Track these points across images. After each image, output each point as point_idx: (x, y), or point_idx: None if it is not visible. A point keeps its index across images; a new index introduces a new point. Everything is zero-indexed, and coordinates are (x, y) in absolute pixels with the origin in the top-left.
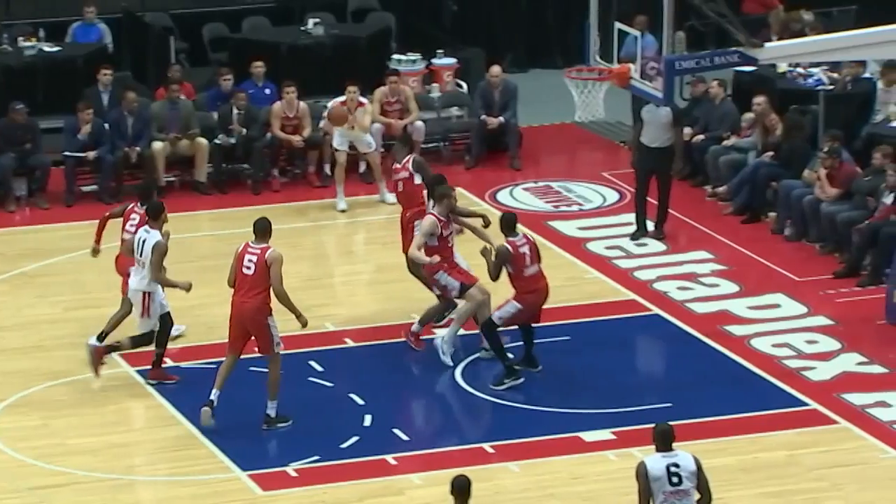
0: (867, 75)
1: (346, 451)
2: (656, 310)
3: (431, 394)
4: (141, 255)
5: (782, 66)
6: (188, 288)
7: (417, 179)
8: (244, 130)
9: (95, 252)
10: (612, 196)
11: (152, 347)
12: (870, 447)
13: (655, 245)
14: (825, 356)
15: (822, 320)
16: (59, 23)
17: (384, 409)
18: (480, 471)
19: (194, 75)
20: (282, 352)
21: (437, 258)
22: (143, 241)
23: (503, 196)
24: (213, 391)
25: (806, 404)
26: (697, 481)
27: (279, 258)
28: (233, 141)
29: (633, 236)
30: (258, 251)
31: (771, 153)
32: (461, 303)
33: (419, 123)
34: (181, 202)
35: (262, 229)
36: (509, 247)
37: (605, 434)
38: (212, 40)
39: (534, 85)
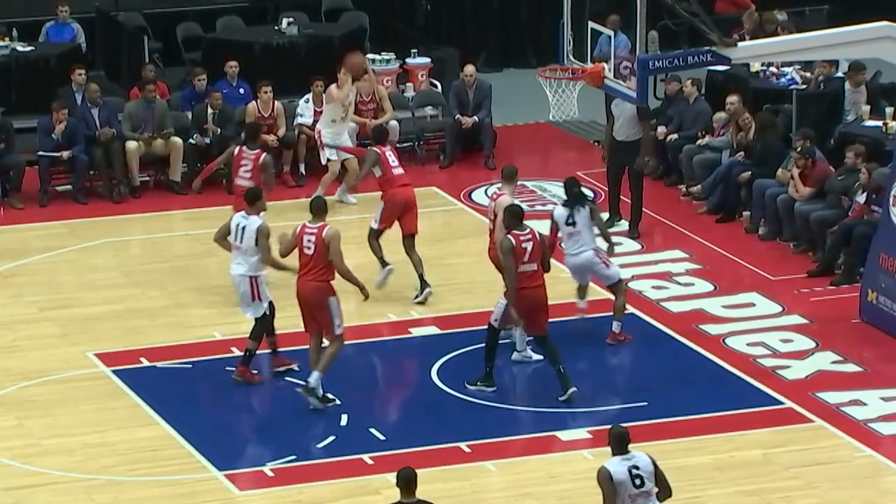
0: (839, 75)
1: (323, 450)
2: (632, 309)
3: (408, 393)
4: (241, 242)
5: (755, 66)
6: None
7: (378, 172)
8: (219, 130)
9: (199, 187)
10: (587, 195)
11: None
12: (844, 446)
13: (630, 244)
14: (800, 355)
15: (796, 319)
16: (32, 22)
17: (360, 409)
18: (457, 470)
19: (168, 75)
20: (342, 337)
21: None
22: (243, 228)
23: (478, 195)
24: (314, 377)
25: (781, 403)
26: (656, 479)
27: (337, 235)
28: (207, 140)
29: (606, 223)
30: (315, 230)
31: (742, 153)
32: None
33: (393, 123)
34: (155, 202)
35: (318, 208)
36: (512, 239)
37: (581, 433)
38: (185, 40)
39: (508, 84)
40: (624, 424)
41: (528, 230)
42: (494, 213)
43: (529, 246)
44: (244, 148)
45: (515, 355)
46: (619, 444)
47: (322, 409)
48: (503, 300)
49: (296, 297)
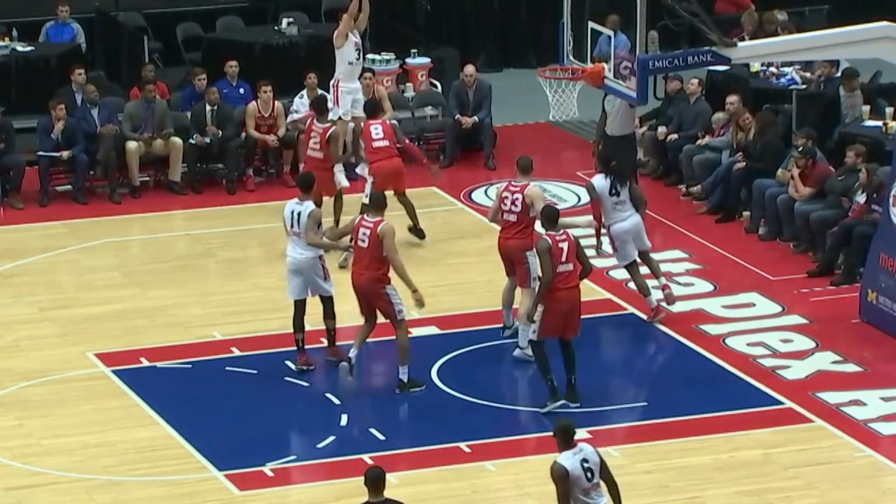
0: (839, 75)
1: (323, 450)
2: (631, 309)
3: (408, 393)
4: (298, 227)
5: (755, 66)
6: (347, 248)
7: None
8: (220, 133)
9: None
10: (587, 195)
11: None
12: (844, 446)
13: None
14: (800, 355)
15: (796, 319)
16: (32, 22)
17: (361, 409)
18: (457, 470)
19: (168, 75)
20: (405, 323)
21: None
22: (298, 214)
23: (478, 195)
24: (352, 350)
25: (781, 403)
26: (601, 472)
27: (390, 231)
28: (207, 140)
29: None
30: (371, 225)
31: (740, 153)
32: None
33: (393, 123)
34: (155, 202)
35: (377, 203)
36: (549, 239)
37: (580, 433)
38: (185, 40)
39: (508, 84)
40: (624, 424)
41: (562, 231)
42: (523, 203)
43: (566, 246)
44: (314, 121)
45: (517, 352)
46: (566, 439)
47: (420, 389)
48: (540, 304)
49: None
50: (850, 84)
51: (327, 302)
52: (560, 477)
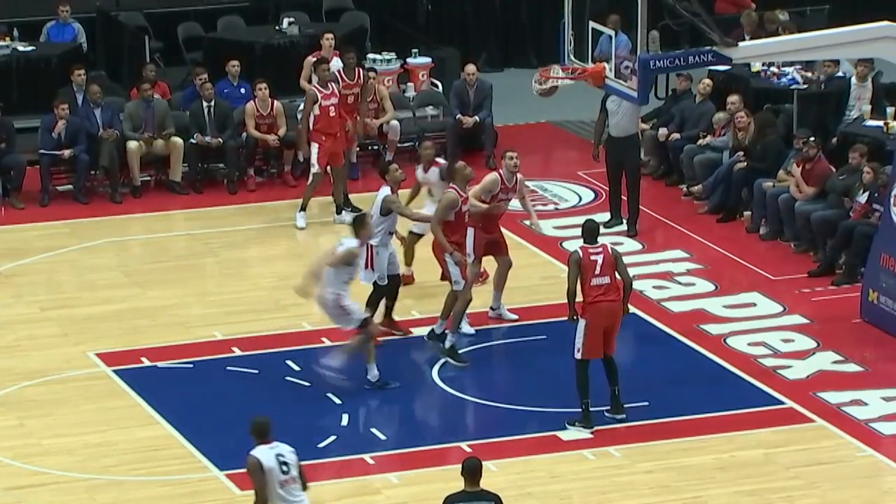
0: (840, 74)
1: (324, 450)
2: (633, 309)
3: (409, 393)
4: (371, 209)
5: (756, 65)
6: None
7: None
8: (221, 141)
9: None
10: (588, 195)
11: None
12: (845, 445)
13: (631, 244)
14: (801, 355)
15: (797, 319)
16: (33, 22)
17: (361, 409)
18: (457, 470)
19: (169, 75)
20: (463, 294)
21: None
22: (376, 198)
23: None
24: (440, 321)
25: (782, 403)
26: (299, 469)
27: (447, 199)
28: (208, 139)
29: (607, 224)
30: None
31: (741, 153)
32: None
33: (394, 123)
34: (156, 202)
35: (448, 173)
36: (580, 252)
37: (582, 433)
38: (186, 40)
39: (508, 84)
40: (624, 424)
41: (599, 244)
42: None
43: (600, 259)
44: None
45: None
46: (262, 435)
47: (463, 366)
48: (581, 320)
49: None
50: (862, 70)
51: (373, 289)
52: (254, 469)
